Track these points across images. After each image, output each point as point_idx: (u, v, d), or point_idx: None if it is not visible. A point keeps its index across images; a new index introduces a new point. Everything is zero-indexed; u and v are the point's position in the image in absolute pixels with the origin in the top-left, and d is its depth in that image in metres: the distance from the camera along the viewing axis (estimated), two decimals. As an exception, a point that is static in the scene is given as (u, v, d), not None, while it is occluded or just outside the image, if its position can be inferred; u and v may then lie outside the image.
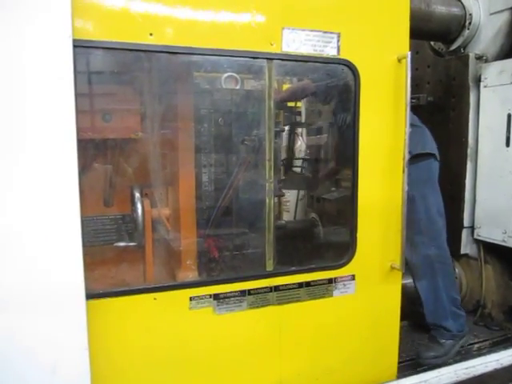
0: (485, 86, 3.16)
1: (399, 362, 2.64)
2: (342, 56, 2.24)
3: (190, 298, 2.09)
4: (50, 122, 1.65)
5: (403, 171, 2.37)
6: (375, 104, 2.31)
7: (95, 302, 1.88)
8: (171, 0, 1.93)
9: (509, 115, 2.83)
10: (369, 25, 2.29)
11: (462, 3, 3.30)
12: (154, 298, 2.03)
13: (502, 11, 3.09)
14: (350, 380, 2.47)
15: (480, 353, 2.97)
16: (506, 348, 2.99)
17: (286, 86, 3.41)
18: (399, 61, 2.35)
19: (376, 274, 2.45)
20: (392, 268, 2.46)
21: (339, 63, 2.27)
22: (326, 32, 2.19)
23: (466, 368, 2.74)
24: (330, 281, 2.35)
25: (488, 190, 3.18)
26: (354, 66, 2.25)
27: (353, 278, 2.39)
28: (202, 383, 2.20)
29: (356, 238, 2.36)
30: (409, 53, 2.30)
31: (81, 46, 1.79)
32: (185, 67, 2.18)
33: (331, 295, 2.36)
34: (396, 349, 2.57)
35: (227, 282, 2.15)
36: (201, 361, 2.15)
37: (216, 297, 2.13)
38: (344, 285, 2.38)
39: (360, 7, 2.27)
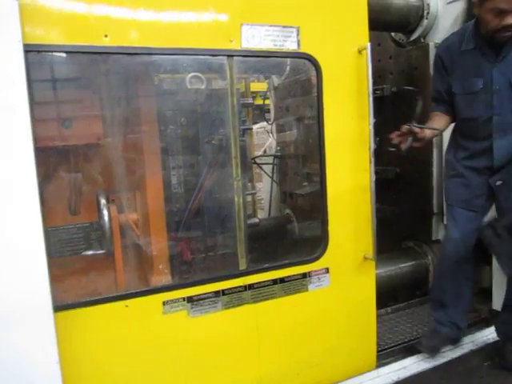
0: None
1: (378, 351, 2.65)
2: (303, 50, 2.23)
3: (163, 303, 2.05)
4: (3, 130, 1.59)
5: (370, 161, 2.39)
6: (338, 96, 2.32)
7: (64, 314, 1.83)
8: (127, 0, 1.88)
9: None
10: (328, 18, 2.29)
11: None
12: (126, 306, 1.99)
13: (458, 0, 3.12)
14: (330, 372, 2.47)
15: None
16: (479, 329, 3.05)
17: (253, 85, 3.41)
18: (360, 52, 2.36)
19: (350, 265, 2.46)
20: (365, 258, 2.47)
21: (300, 57, 2.27)
22: (285, 26, 2.18)
23: (443, 351, 2.79)
24: (305, 275, 2.34)
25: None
26: (314, 59, 2.25)
27: (327, 271, 2.40)
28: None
29: (327, 231, 2.37)
30: (368, 44, 2.32)
31: (33, 51, 1.74)
32: (144, 68, 2.14)
33: (306, 290, 2.35)
34: (374, 338, 2.59)
35: (200, 284, 2.12)
36: (178, 365, 2.11)
37: (190, 299, 2.10)
38: (318, 278, 2.38)
39: (318, 1, 2.27)
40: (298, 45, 2.22)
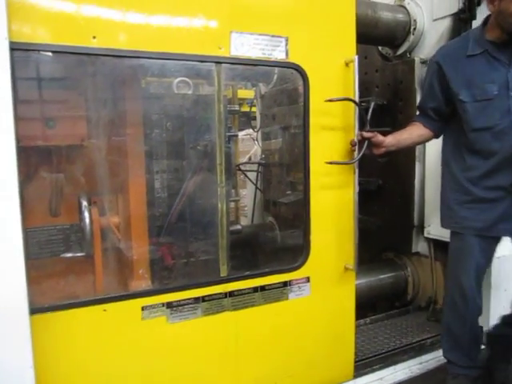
0: None
1: (356, 361, 2.66)
2: (291, 60, 2.25)
3: (142, 308, 2.03)
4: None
5: (354, 172, 2.41)
6: (324, 107, 2.33)
7: (41, 317, 1.80)
8: (117, 2, 1.88)
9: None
10: (316, 30, 2.32)
11: (406, 9, 3.40)
12: (104, 310, 1.96)
13: (444, 17, 3.19)
14: (308, 382, 2.47)
15: (433, 347, 3.02)
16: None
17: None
18: (347, 65, 2.39)
19: (330, 275, 2.47)
20: (346, 269, 2.49)
21: (288, 67, 2.28)
22: (274, 36, 2.20)
23: (420, 363, 2.83)
24: (285, 284, 2.35)
25: (436, 190, 3.25)
26: (302, 69, 2.27)
27: (307, 280, 2.40)
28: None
29: (309, 240, 2.38)
30: (356, 57, 2.35)
31: (19, 49, 1.71)
32: (131, 71, 2.13)
33: (287, 298, 2.36)
34: (352, 348, 2.60)
35: (180, 290, 2.11)
36: (156, 372, 2.09)
37: (169, 305, 2.08)
38: (299, 287, 2.38)
39: (308, 13, 2.29)
40: (287, 54, 2.24)
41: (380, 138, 2.45)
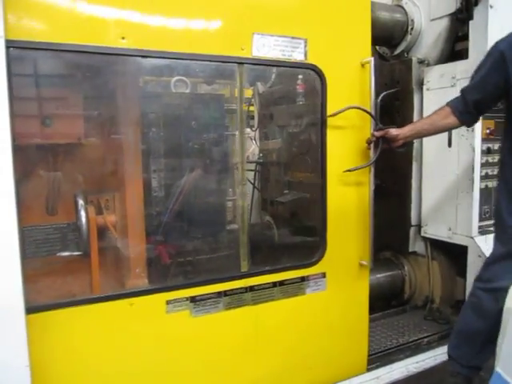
0: (427, 89, 3.27)
1: (369, 355, 2.73)
2: (309, 61, 2.31)
3: (167, 302, 2.09)
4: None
5: (369, 171, 2.48)
6: (341, 106, 2.39)
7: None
8: (145, 5, 1.94)
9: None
10: (334, 32, 2.39)
11: (404, 9, 3.41)
12: (131, 304, 2.02)
13: (441, 17, 3.20)
14: (323, 375, 2.54)
15: (429, 346, 3.02)
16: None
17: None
18: (363, 66, 2.46)
19: (345, 271, 2.54)
20: (360, 265, 2.56)
21: (306, 67, 2.35)
22: (293, 38, 2.26)
23: (417, 362, 2.83)
24: (303, 279, 2.41)
25: (433, 189, 3.29)
26: (320, 70, 2.34)
27: (323, 275, 2.47)
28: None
29: (326, 237, 2.44)
30: (372, 58, 2.42)
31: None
32: (158, 71, 2.18)
33: (304, 293, 2.42)
34: (366, 342, 2.67)
35: (203, 284, 2.17)
36: (179, 363, 2.15)
37: (193, 299, 2.14)
38: (316, 282, 2.45)
39: (325, 15, 2.36)
40: (305, 56, 2.30)
41: (393, 132, 2.44)
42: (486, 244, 2.98)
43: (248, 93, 4.24)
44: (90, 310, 1.95)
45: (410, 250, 3.49)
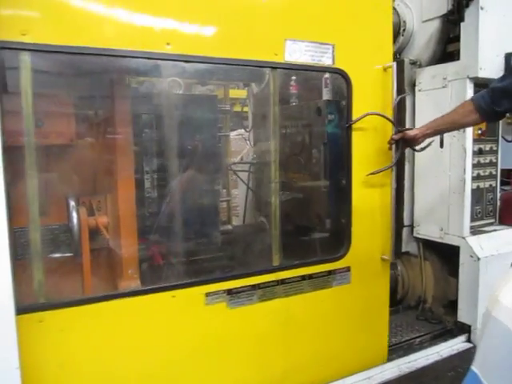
0: (419, 90, 3.31)
1: (388, 346, 2.86)
2: (337, 65, 2.44)
3: (206, 294, 2.20)
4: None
5: (391, 170, 2.61)
6: (365, 108, 2.52)
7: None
8: (188, 14, 2.05)
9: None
10: (358, 37, 2.51)
11: (396, 11, 3.41)
12: (173, 296, 2.13)
13: (433, 19, 3.23)
14: (347, 365, 2.66)
15: (421, 346, 3.05)
16: (445, 340, 3.12)
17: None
18: (385, 70, 2.59)
19: (368, 265, 2.67)
20: (382, 259, 2.69)
21: (334, 72, 2.47)
22: (322, 43, 2.39)
23: (409, 362, 2.87)
24: (329, 272, 2.53)
25: (425, 190, 3.32)
26: (346, 74, 2.46)
27: (348, 269, 2.59)
28: (211, 376, 2.29)
29: (350, 233, 2.57)
30: (394, 63, 2.55)
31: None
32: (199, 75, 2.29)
33: (330, 286, 2.54)
34: (386, 333, 2.80)
35: (239, 278, 2.28)
36: (216, 353, 2.26)
37: (229, 292, 2.25)
38: (341, 276, 2.57)
39: (351, 22, 2.49)
40: (333, 61, 2.42)
41: (410, 133, 2.53)
42: (477, 244, 3.07)
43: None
44: (135, 302, 2.05)
45: (403, 250, 3.49)
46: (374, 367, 2.76)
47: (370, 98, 2.55)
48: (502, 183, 3.56)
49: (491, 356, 1.54)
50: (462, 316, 3.14)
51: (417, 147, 2.61)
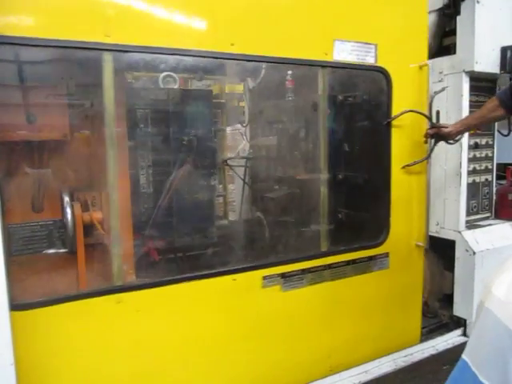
0: None
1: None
2: (379, 64, 2.60)
3: (263, 278, 2.36)
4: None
5: (427, 163, 2.79)
6: (404, 105, 2.69)
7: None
8: (251, 17, 2.21)
9: (437, 112, 2.86)
10: (397, 37, 2.68)
11: None
12: (234, 279, 2.29)
13: (429, 13, 3.16)
14: (385, 345, 2.84)
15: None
16: (441, 334, 3.15)
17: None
18: (421, 68, 2.76)
19: (405, 251, 2.85)
20: (417, 246, 2.87)
21: (376, 70, 2.63)
22: (366, 43, 2.55)
23: (405, 356, 2.90)
24: (370, 258, 2.71)
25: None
26: (387, 72, 2.63)
27: (387, 255, 2.77)
28: (263, 354, 2.45)
29: (389, 221, 2.74)
30: (430, 61, 2.72)
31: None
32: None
33: (371, 270, 2.72)
34: (419, 315, 2.99)
35: (292, 262, 2.45)
36: (271, 333, 2.42)
37: (283, 276, 2.42)
38: (381, 261, 2.75)
39: (390, 23, 2.65)
40: (375, 59, 2.59)
41: (445, 130, 2.70)
42: (473, 238, 3.12)
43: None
44: (201, 285, 2.21)
45: None
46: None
47: (408, 95, 2.72)
48: (498, 177, 3.59)
49: (481, 345, 1.57)
50: (458, 310, 3.20)
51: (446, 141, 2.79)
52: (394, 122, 2.68)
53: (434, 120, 2.76)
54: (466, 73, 3.04)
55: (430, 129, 2.74)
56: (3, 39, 1.72)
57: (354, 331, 2.72)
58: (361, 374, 2.70)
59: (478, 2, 2.94)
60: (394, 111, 2.67)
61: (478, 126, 2.94)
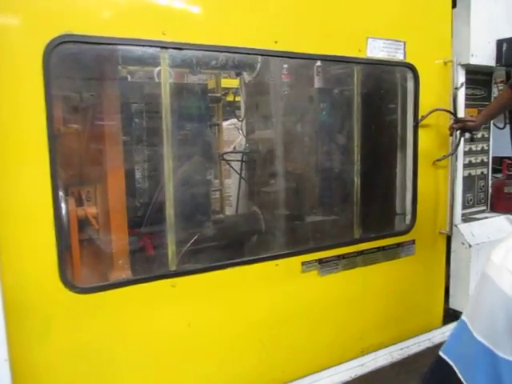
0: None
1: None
2: (407, 60, 2.74)
3: (302, 263, 2.50)
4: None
5: (451, 155, 2.93)
6: (430, 99, 2.83)
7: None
8: (294, 14, 2.33)
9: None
10: (424, 35, 2.81)
11: None
12: (276, 264, 2.42)
13: None
14: (411, 326, 3.00)
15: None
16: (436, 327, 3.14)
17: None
18: (445, 64, 2.90)
19: (429, 238, 3.00)
20: (440, 233, 3.02)
21: (405, 66, 2.77)
22: (396, 40, 2.68)
23: (401, 349, 2.92)
24: (398, 245, 2.86)
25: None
26: (415, 68, 2.77)
27: (413, 242, 2.92)
28: (302, 336, 2.59)
29: (416, 209, 2.89)
30: (455, 57, 2.86)
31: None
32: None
33: (399, 257, 2.87)
34: (442, 300, 3.14)
35: (328, 249, 2.59)
36: (310, 315, 2.56)
37: (320, 261, 2.56)
38: (408, 248, 2.90)
39: (418, 20, 2.78)
40: (404, 56, 2.72)
41: (471, 125, 2.82)
42: (469, 231, 3.16)
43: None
44: (243, 270, 2.34)
45: None
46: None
47: (433, 90, 2.86)
48: (494, 171, 3.61)
49: (478, 306, 1.71)
50: (454, 303, 3.22)
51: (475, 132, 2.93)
52: (422, 113, 2.81)
53: (460, 115, 2.89)
54: (462, 66, 3.02)
55: (455, 123, 2.85)
56: (74, 38, 1.83)
57: (383, 314, 2.87)
58: (357, 367, 2.72)
59: None
60: (421, 106, 2.81)
61: (498, 115, 3.05)
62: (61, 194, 1.95)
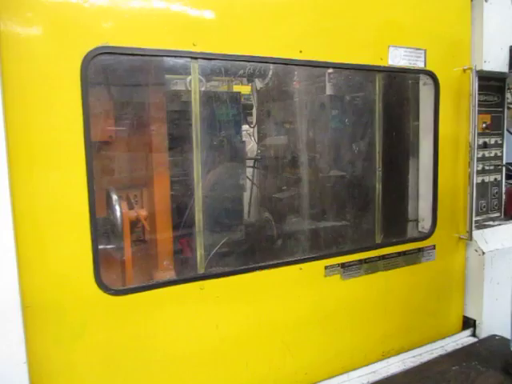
0: (424, 84, 3.10)
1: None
2: (428, 68, 2.79)
3: (325, 267, 2.55)
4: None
5: (470, 159, 2.96)
6: (450, 105, 2.87)
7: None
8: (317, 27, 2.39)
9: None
10: (444, 43, 2.85)
11: None
12: (300, 268, 2.47)
13: None
14: (431, 331, 3.02)
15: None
16: (449, 335, 3.10)
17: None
18: (464, 71, 2.93)
19: (449, 243, 3.03)
20: (460, 239, 3.05)
21: (425, 73, 2.81)
22: (417, 49, 2.73)
23: (413, 356, 2.91)
24: (419, 250, 2.89)
25: (429, 185, 3.08)
26: (435, 75, 2.81)
27: (434, 247, 2.95)
28: (324, 339, 2.64)
29: (436, 215, 2.92)
30: (475, 65, 2.90)
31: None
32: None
33: (420, 261, 2.90)
34: (462, 305, 3.16)
35: (351, 253, 2.63)
36: (332, 317, 2.60)
37: (343, 265, 2.60)
38: (428, 253, 2.93)
39: (438, 30, 2.83)
40: (425, 64, 2.77)
41: None
42: (482, 238, 3.12)
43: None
44: (269, 274, 2.40)
45: None
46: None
47: (453, 97, 2.90)
48: (507, 177, 3.53)
49: None
50: (467, 310, 3.18)
51: None
52: (442, 118, 2.85)
53: None
54: (475, 72, 2.94)
55: None
56: (110, 49, 1.91)
57: (404, 319, 2.90)
58: (369, 374, 2.72)
59: (486, 1, 2.97)
60: (442, 110, 2.85)
61: None
62: (114, 197, 2.06)
